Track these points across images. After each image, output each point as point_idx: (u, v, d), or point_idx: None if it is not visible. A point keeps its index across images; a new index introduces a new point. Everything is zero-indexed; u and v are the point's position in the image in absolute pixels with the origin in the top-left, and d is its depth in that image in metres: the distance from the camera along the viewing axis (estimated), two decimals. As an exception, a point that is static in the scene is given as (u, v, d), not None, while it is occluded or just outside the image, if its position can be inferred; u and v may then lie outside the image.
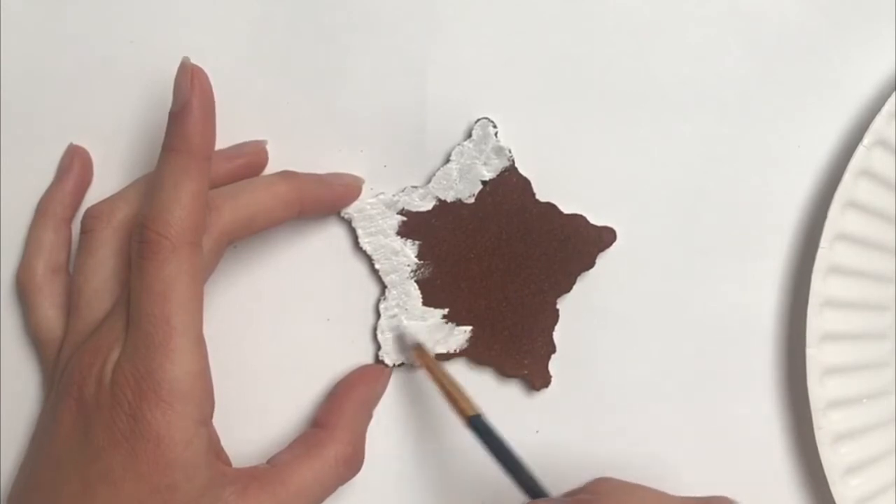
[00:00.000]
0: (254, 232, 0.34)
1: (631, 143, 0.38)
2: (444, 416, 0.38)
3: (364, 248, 0.37)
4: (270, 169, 0.36)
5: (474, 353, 0.37)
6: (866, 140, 0.36)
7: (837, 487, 0.36)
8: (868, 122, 0.36)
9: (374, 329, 0.37)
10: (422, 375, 0.37)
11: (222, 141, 0.34)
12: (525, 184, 0.37)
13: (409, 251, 0.37)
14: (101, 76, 0.37)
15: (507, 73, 0.37)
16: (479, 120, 0.37)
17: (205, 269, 0.33)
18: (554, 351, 0.37)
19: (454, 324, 0.37)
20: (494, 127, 0.37)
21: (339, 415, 0.35)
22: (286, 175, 0.35)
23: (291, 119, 0.37)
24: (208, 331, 0.32)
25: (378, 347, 0.37)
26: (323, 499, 0.34)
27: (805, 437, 0.38)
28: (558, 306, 0.37)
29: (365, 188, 0.37)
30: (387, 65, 0.37)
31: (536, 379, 0.37)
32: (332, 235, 0.37)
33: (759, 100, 0.38)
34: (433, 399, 0.38)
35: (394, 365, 0.37)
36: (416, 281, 0.37)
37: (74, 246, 0.36)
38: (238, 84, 0.36)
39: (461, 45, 0.37)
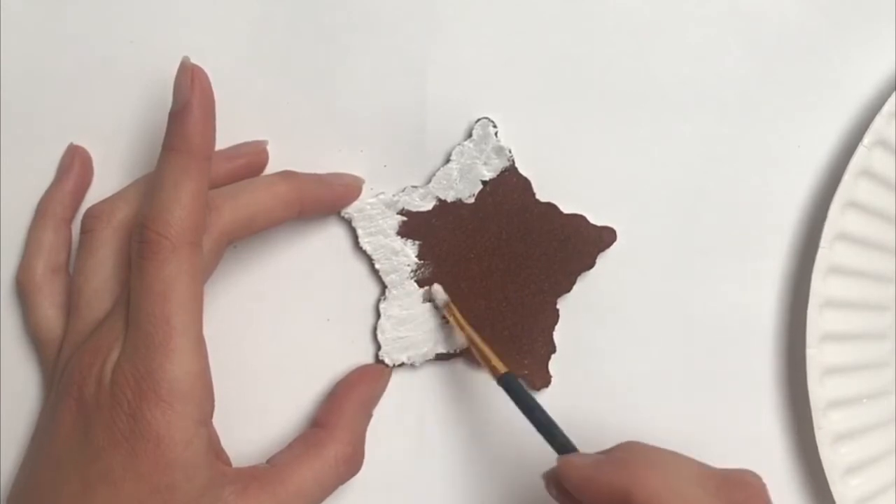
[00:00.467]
0: (254, 232, 0.34)
1: (631, 143, 0.38)
2: (444, 415, 0.38)
3: (364, 248, 0.37)
4: (270, 169, 0.36)
5: (474, 354, 0.37)
6: (866, 140, 0.36)
7: (837, 487, 0.36)
8: (868, 122, 0.36)
9: (374, 329, 0.37)
10: (422, 374, 0.38)
11: (222, 141, 0.34)
12: (525, 184, 0.37)
13: (409, 251, 0.37)
14: (101, 76, 0.37)
15: (507, 73, 0.37)
16: (479, 120, 0.37)
17: (205, 269, 0.33)
18: (554, 351, 0.37)
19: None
20: (494, 127, 0.37)
21: (339, 415, 0.35)
22: (286, 175, 0.35)
23: (291, 119, 0.37)
24: (208, 331, 0.32)
25: (378, 347, 0.37)
26: (323, 498, 0.34)
27: (805, 437, 0.38)
28: (558, 306, 0.37)
29: (365, 188, 0.37)
30: (387, 65, 0.37)
31: (536, 379, 0.37)
32: (332, 235, 0.37)
33: (759, 100, 0.38)
34: (433, 399, 0.38)
35: (394, 365, 0.37)
36: (416, 281, 0.37)
37: (74, 246, 0.36)
38: (238, 84, 0.36)
39: (461, 45, 0.37)
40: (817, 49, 0.37)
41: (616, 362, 0.38)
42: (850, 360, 0.37)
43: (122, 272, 0.34)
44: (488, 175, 0.37)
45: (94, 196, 0.36)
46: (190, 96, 0.32)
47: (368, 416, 0.36)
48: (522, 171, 0.37)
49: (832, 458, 0.36)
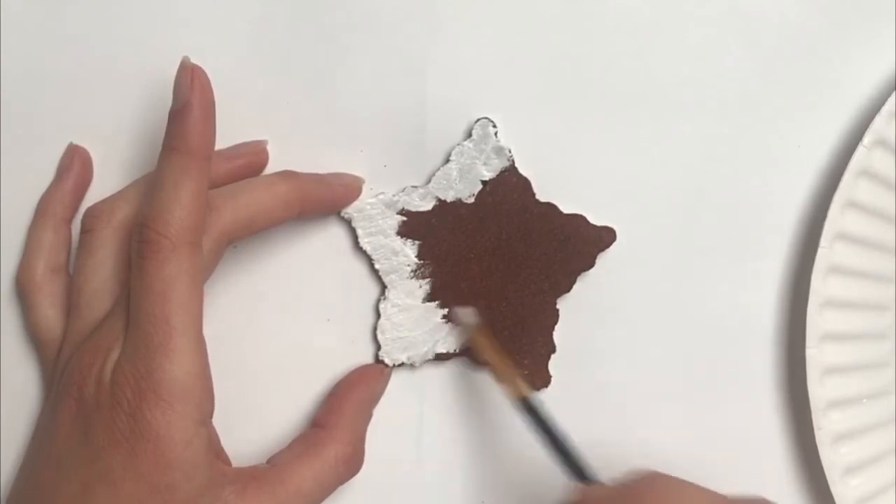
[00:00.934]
0: (254, 232, 0.34)
1: (631, 143, 0.38)
2: (444, 415, 0.38)
3: (364, 248, 0.37)
4: (270, 169, 0.36)
5: (474, 353, 0.37)
6: (866, 140, 0.36)
7: (837, 487, 0.36)
8: (868, 122, 0.36)
9: (374, 329, 0.37)
10: (422, 374, 0.38)
11: (222, 141, 0.34)
12: (525, 184, 0.37)
13: (409, 251, 0.37)
14: (101, 76, 0.37)
15: (507, 73, 0.37)
16: (479, 120, 0.37)
17: (205, 269, 0.33)
18: (554, 351, 0.37)
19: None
20: (494, 127, 0.37)
21: (339, 415, 0.35)
22: (286, 175, 0.35)
23: (291, 119, 0.37)
24: (208, 331, 0.32)
25: (378, 347, 0.37)
26: (323, 498, 0.34)
27: (805, 437, 0.38)
28: (558, 306, 0.37)
29: (365, 188, 0.37)
30: (387, 65, 0.37)
31: (536, 379, 0.37)
32: (332, 235, 0.37)
33: (759, 100, 0.38)
34: (433, 399, 0.38)
35: (394, 365, 0.37)
36: (416, 281, 0.37)
37: (74, 246, 0.36)
38: (238, 84, 0.36)
39: (461, 45, 0.37)
40: (817, 49, 0.37)
41: (616, 362, 0.38)
42: (850, 360, 0.37)
43: (122, 272, 0.34)
44: (488, 175, 0.37)
45: (94, 196, 0.36)
46: (190, 96, 0.32)
47: (368, 417, 0.36)
48: (522, 171, 0.37)
49: (832, 459, 0.36)
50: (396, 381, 0.37)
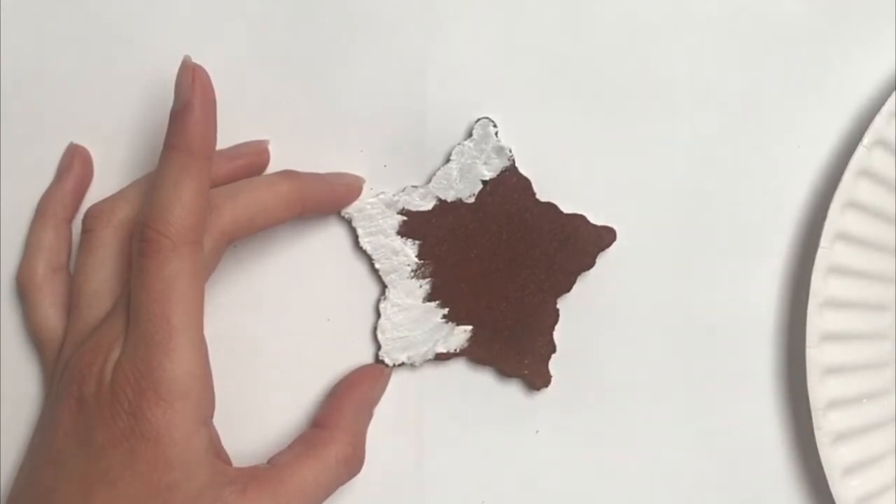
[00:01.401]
0: (254, 231, 0.34)
1: (631, 143, 0.38)
2: (444, 415, 0.38)
3: (364, 248, 0.37)
4: (271, 168, 0.37)
5: (474, 353, 0.37)
6: (866, 140, 0.36)
7: (837, 487, 0.36)
8: (868, 122, 0.36)
9: (374, 329, 0.37)
10: (422, 374, 0.38)
11: (223, 141, 0.34)
12: (525, 184, 0.37)
13: (409, 251, 0.37)
14: (101, 76, 0.37)
15: (507, 73, 0.37)
16: (479, 119, 0.37)
17: (205, 269, 0.32)
18: (554, 351, 0.37)
19: (454, 324, 0.37)
20: (495, 127, 0.37)
21: (340, 415, 0.35)
22: (287, 174, 0.35)
23: (291, 119, 0.37)
24: (208, 331, 0.32)
25: (378, 347, 0.37)
26: (323, 499, 0.34)
27: (805, 437, 0.38)
28: (558, 306, 0.37)
29: (365, 188, 0.37)
30: (387, 65, 0.37)
31: (536, 379, 0.37)
32: (332, 235, 0.37)
33: (759, 100, 0.38)
34: (433, 399, 0.38)
35: (394, 365, 0.37)
36: (416, 280, 0.37)
37: (75, 246, 0.36)
38: (238, 84, 0.36)
39: (461, 45, 0.37)
40: (817, 49, 0.37)
41: (616, 362, 0.38)
42: (850, 359, 0.37)
43: (123, 272, 0.34)
44: (488, 175, 0.37)
45: (94, 196, 0.36)
46: (191, 95, 0.32)
47: (369, 417, 0.36)
48: (522, 171, 0.37)
49: (832, 458, 0.36)
50: (396, 381, 0.37)
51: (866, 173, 0.36)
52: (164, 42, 0.37)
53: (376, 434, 0.36)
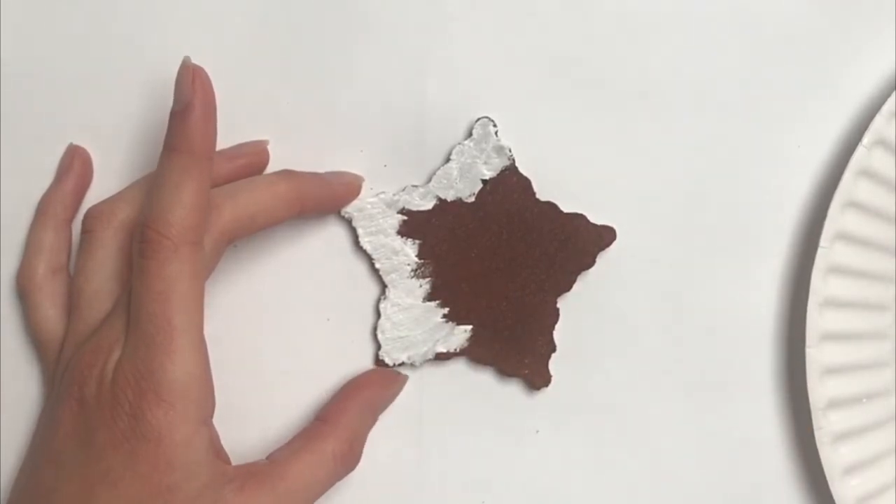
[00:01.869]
0: (254, 231, 0.34)
1: (631, 143, 0.38)
2: (444, 415, 0.38)
3: (364, 248, 0.37)
4: (271, 168, 0.37)
5: (474, 353, 0.37)
6: (866, 140, 0.36)
7: (837, 487, 0.36)
8: (868, 122, 0.36)
9: (374, 329, 0.37)
10: (422, 374, 0.38)
11: (222, 141, 0.34)
12: (525, 183, 0.37)
13: (409, 250, 0.37)
14: (101, 76, 0.37)
15: (507, 73, 0.37)
16: (479, 119, 0.37)
17: (205, 269, 0.33)
18: (554, 350, 0.37)
19: (454, 323, 0.37)
20: (495, 126, 0.37)
21: (342, 412, 0.35)
22: (287, 174, 0.35)
23: (291, 119, 0.37)
24: (208, 331, 0.32)
25: (378, 347, 0.37)
26: (321, 493, 0.34)
27: (805, 437, 0.38)
28: (558, 305, 0.37)
29: (365, 187, 0.37)
30: (387, 65, 0.37)
31: (536, 378, 0.37)
32: (332, 235, 0.37)
33: (759, 100, 0.38)
34: (433, 399, 0.38)
35: (394, 364, 0.37)
36: (416, 280, 0.37)
37: (75, 246, 0.36)
38: (238, 84, 0.36)
39: (461, 45, 0.37)
40: (817, 49, 0.37)
41: (616, 361, 0.38)
42: (850, 359, 0.37)
43: (123, 272, 0.34)
44: (488, 174, 0.37)
45: (94, 196, 0.36)
46: (191, 96, 0.32)
47: (373, 419, 0.36)
48: (522, 170, 0.37)
49: (832, 458, 0.36)
50: (396, 380, 0.38)
51: (866, 173, 0.36)
52: (164, 42, 0.37)
53: (376, 434, 0.36)
